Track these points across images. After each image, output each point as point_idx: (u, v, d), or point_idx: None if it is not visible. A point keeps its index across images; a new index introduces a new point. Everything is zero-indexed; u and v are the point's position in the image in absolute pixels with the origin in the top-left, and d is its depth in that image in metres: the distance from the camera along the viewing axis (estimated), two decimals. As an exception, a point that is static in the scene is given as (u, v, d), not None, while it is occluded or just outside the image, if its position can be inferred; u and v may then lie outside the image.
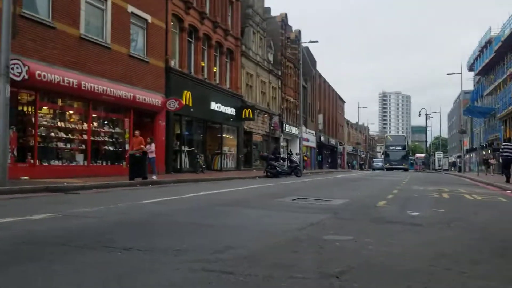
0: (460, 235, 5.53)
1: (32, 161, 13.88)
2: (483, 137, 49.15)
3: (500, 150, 19.91)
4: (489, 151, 44.75)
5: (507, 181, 18.16)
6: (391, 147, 66.78)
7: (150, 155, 15.59)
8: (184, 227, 5.44)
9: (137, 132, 15.61)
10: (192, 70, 23.62)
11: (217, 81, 26.67)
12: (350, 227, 5.82)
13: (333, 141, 61.35)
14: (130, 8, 18.22)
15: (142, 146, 14.82)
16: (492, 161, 37.08)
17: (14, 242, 4.26)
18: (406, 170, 58.03)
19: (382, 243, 4.76)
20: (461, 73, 46.44)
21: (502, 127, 43.22)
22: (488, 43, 47.62)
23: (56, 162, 14.92)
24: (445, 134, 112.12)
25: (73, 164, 15.57)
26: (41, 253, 3.82)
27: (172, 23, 21.54)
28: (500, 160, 21.13)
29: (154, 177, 15.21)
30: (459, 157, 60.74)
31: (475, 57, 54.98)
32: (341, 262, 3.77)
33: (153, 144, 16.18)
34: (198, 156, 22.92)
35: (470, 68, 59.70)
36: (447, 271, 3.61)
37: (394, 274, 3.48)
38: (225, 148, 28.21)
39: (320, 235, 5.05)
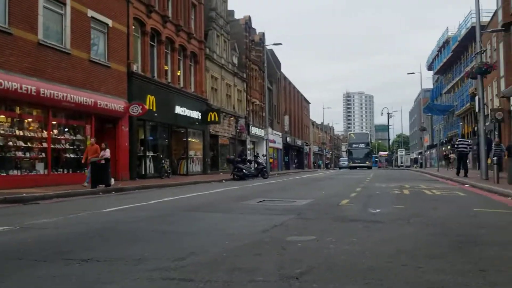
0: (419, 230, 5.69)
1: (-11, 171, 13.37)
2: (442, 133, 50.77)
3: (455, 146, 21.32)
4: (449, 147, 46.24)
5: (457, 173, 19.52)
6: (354, 145, 63.77)
7: (100, 162, 14.62)
8: (146, 235, 5.38)
9: (92, 140, 15.54)
10: (156, 74, 23.35)
11: (181, 85, 26.46)
12: (313, 227, 5.90)
13: (299, 142, 61.92)
14: (90, 13, 17.84)
15: (100, 155, 14.66)
16: (452, 156, 38.36)
17: (-34, 257, 4.10)
18: (369, 168, 57.20)
19: (344, 241, 4.85)
20: (420, 73, 47.85)
21: (461, 123, 44.80)
22: (445, 43, 49.23)
23: (15, 172, 14.43)
24: (406, 132, 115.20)
25: (32, 174, 15.10)
26: (-5, 268, 3.70)
27: (133, 27, 21.24)
28: (455, 155, 23.47)
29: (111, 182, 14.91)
30: (420, 153, 62.52)
31: (433, 56, 56.77)
32: (302, 263, 3.82)
33: (107, 150, 15.42)
34: (163, 161, 22.65)
35: (429, 68, 61.56)
36: (404, 267, 3.72)
37: (353, 272, 3.55)
38: (191, 152, 28.01)
39: (283, 237, 5.10)
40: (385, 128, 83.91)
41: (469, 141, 22.36)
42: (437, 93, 57.72)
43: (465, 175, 18.75)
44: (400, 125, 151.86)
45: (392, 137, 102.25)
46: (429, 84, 68.78)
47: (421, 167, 48.62)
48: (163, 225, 6.21)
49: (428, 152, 62.29)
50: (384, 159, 71.56)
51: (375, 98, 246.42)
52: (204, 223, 6.45)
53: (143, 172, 21.71)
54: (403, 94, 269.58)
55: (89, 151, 14.90)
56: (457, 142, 21.41)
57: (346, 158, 69.96)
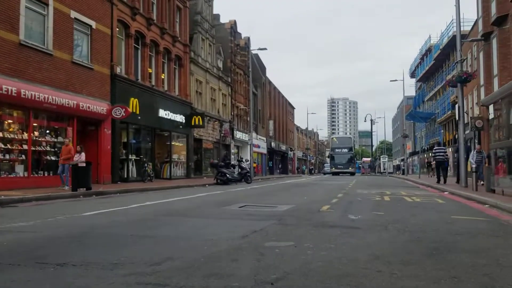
0: (396, 237, 5.77)
1: (-34, 173, 13.13)
2: (425, 140, 51.41)
3: (432, 154, 22.11)
4: (430, 154, 46.87)
5: (438, 181, 19.90)
6: (337, 150, 60.65)
7: (80, 165, 14.16)
8: (124, 239, 5.34)
9: (67, 140, 15.53)
10: (139, 77, 23.23)
11: (166, 88, 26.37)
12: (292, 233, 5.93)
13: (283, 147, 62.13)
14: (73, 14, 17.70)
15: (72, 157, 14.53)
16: (434, 163, 38.88)
17: None
18: (352, 174, 55.93)
19: (321, 247, 4.89)
20: (403, 80, 48.68)
21: (442, 131, 45.48)
22: (428, 51, 50.01)
23: (-7, 174, 14.21)
24: (390, 138, 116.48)
25: (12, 176, 14.88)
26: (-33, 273, 3.64)
27: (117, 29, 21.13)
28: (433, 162, 24.87)
29: (66, 187, 14.28)
30: (402, 160, 63.22)
31: (416, 64, 57.59)
32: (278, 269, 3.85)
33: (83, 154, 14.97)
34: (146, 165, 22.51)
35: (412, 75, 62.45)
36: (379, 273, 3.77)
37: (328, 278, 3.59)
38: (175, 156, 27.88)
39: (261, 242, 5.12)
40: (369, 134, 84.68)
41: (444, 148, 22.82)
42: (419, 101, 58.56)
43: (444, 182, 19.27)
44: (383, 132, 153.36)
45: (376, 143, 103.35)
46: (412, 92, 69.75)
47: (403, 173, 49.18)
48: (142, 229, 6.18)
49: (411, 159, 63.05)
50: (367, 165, 71.80)
51: (359, 104, 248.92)
52: (183, 228, 6.43)
53: (126, 176, 21.54)
54: (387, 101, 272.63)
55: (63, 152, 14.81)
56: (434, 150, 21.95)
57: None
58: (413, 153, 62.36)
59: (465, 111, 20.97)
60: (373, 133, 75.95)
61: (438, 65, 46.60)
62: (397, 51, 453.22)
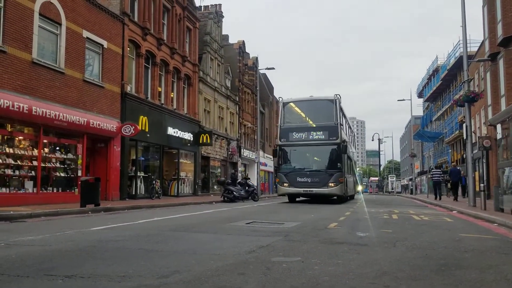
0: (404, 253, 5.74)
1: (-24, 189, 13.27)
2: (433, 160, 51.15)
3: (430, 176, 27.67)
4: (428, 176, 46.62)
5: (435, 198, 24.24)
6: (295, 135, 26.28)
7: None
8: (132, 253, 5.38)
9: None
10: (149, 95, 23.50)
11: (175, 107, 26.62)
12: (299, 249, 5.93)
13: (291, 166, 61.85)
14: (86, 33, 18.06)
15: None
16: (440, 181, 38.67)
17: (-51, 272, 4.08)
18: (341, 198, 21.91)
19: (328, 263, 4.89)
20: (411, 100, 48.53)
21: (450, 150, 45.26)
22: (435, 71, 50.14)
23: (3, 190, 14.32)
24: (397, 158, 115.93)
25: (22, 192, 15.00)
26: (-23, 283, 3.69)
27: (129, 49, 21.48)
28: (431, 183, 28.14)
29: None
30: (411, 179, 62.78)
31: (423, 84, 57.67)
32: (285, 283, 3.86)
33: None
34: (154, 182, 22.60)
35: (420, 95, 62.46)
36: (385, 288, 3.77)
37: (335, 292, 3.59)
38: (182, 174, 27.96)
39: (268, 257, 5.13)
40: (376, 153, 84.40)
41: (440, 170, 27.33)
42: (427, 120, 58.49)
43: (439, 199, 23.59)
44: (391, 151, 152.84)
45: (383, 163, 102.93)
46: (419, 111, 69.66)
47: (411, 193, 48.80)
48: (149, 244, 6.21)
49: (419, 179, 62.62)
50: (375, 185, 71.18)
51: (366, 124, 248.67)
52: (190, 243, 6.45)
53: (134, 192, 21.62)
54: (394, 120, 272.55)
55: None
56: (432, 172, 26.95)
57: None
58: (421, 173, 61.94)
59: (472, 130, 20.98)
60: (380, 153, 75.66)
61: (445, 85, 46.65)
62: (403, 71, 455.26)
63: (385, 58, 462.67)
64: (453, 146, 43.63)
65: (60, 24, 16.64)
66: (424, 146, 62.78)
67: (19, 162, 15.00)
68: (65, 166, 17.22)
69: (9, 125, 14.88)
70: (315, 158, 20.92)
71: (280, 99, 23.12)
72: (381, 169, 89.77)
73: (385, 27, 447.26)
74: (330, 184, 19.52)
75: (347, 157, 22.38)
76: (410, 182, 63.35)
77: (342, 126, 20.74)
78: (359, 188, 52.49)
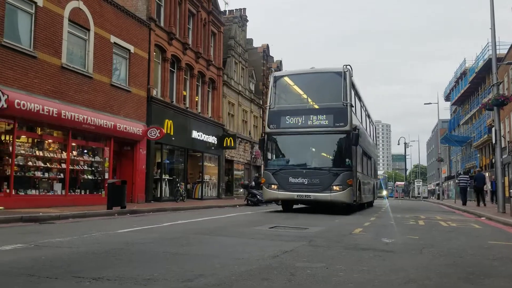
0: (431, 261, 5.64)
1: (8, 190, 13.66)
2: (460, 165, 50.08)
3: (457, 181, 27.13)
4: (456, 181, 45.66)
5: (463, 204, 23.97)
6: (288, 110, 18.70)
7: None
8: (157, 256, 5.44)
9: None
10: (174, 99, 23.78)
11: (199, 110, 26.86)
12: (323, 255, 5.88)
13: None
14: (113, 39, 18.42)
15: None
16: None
17: (-18, 272, 4.21)
18: (348, 206, 15.60)
19: (353, 270, 4.83)
20: (437, 103, 47.61)
21: (478, 155, 44.23)
22: (463, 74, 49.14)
23: (33, 192, 14.71)
24: (424, 162, 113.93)
25: (50, 194, 15.37)
26: (7, 285, 3.79)
27: (155, 53, 21.79)
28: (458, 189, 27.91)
29: None
30: (437, 184, 61.59)
31: (451, 87, 56.58)
32: (309, 289, 3.83)
33: None
34: (178, 185, 22.83)
35: (447, 98, 61.28)
36: (412, 296, 3.70)
37: (360, 299, 3.55)
38: (206, 177, 28.15)
39: (292, 263, 5.11)
40: (402, 158, 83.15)
41: (467, 176, 27.35)
42: (454, 124, 57.34)
43: (464, 204, 23.38)
44: (418, 155, 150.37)
45: (409, 167, 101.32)
46: (446, 115, 68.36)
47: (438, 198, 47.86)
48: (174, 247, 6.27)
49: (446, 184, 61.39)
50: (401, 189, 70.01)
51: (392, 127, 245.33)
52: (214, 246, 6.48)
53: (159, 195, 21.88)
54: (420, 124, 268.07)
55: None
56: (459, 178, 26.66)
57: None
58: (448, 178, 60.70)
59: (502, 135, 20.44)
60: (406, 157, 74.51)
61: (473, 88, 45.67)
62: (428, 74, 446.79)
63: (410, 60, 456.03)
64: (482, 151, 42.62)
65: (88, 30, 17.02)
66: (452, 150, 61.53)
67: (48, 165, 15.38)
68: (93, 168, 17.57)
69: (39, 129, 15.28)
70: (314, 151, 15.65)
71: (271, 71, 17.46)
72: (407, 173, 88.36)
73: (409, 28, 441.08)
74: (334, 187, 14.14)
75: (361, 152, 17.52)
76: (437, 187, 62.14)
77: (353, 109, 15.39)
78: (384, 192, 51.18)
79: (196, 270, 4.50)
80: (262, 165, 20.46)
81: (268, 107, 15.93)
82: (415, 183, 71.29)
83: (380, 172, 68.31)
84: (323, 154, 15.61)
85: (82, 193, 16.85)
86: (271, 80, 16.37)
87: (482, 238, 8.45)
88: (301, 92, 16.80)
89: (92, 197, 17.02)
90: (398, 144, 69.62)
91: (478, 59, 41.45)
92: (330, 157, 15.26)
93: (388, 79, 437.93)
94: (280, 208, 17.60)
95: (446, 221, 12.91)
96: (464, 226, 11.55)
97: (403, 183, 77.28)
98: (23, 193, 14.26)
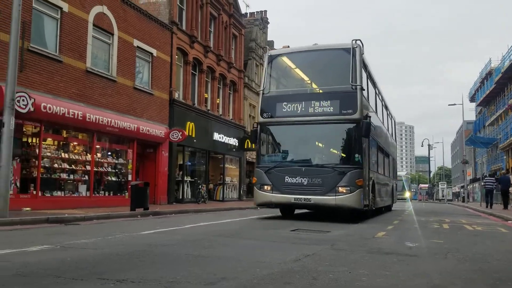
0: (456, 266, 5.54)
1: (34, 192, 13.99)
2: (486, 167, 49.04)
3: (483, 184, 26.01)
4: (482, 183, 44.67)
5: (487, 207, 23.25)
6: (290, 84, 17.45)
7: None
8: (180, 258, 5.49)
9: None
10: (196, 102, 23.97)
11: (220, 112, 27.00)
12: (346, 259, 5.84)
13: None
14: (136, 42, 18.69)
15: None
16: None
17: (7, 274, 4.30)
18: (356, 213, 13.23)
19: (376, 274, 4.78)
20: (462, 104, 46.61)
21: (505, 157, 43.22)
22: (488, 75, 48.13)
23: (59, 193, 15.03)
24: (448, 164, 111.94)
25: (75, 195, 15.67)
26: (35, 285, 3.88)
27: (177, 57, 22.02)
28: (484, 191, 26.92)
29: None
30: (462, 187, 60.40)
31: (476, 88, 55.47)
32: (332, 294, 3.81)
33: None
34: (200, 187, 22.99)
35: (472, 99, 60.10)
36: (437, 303, 3.64)
37: (383, 305, 3.51)
38: (228, 179, 28.26)
39: (315, 267, 5.09)
40: (426, 160, 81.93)
41: (493, 179, 26.23)
42: (480, 125, 56.20)
43: (490, 207, 22.59)
44: (442, 157, 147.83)
45: (433, 169, 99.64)
46: (471, 116, 67.02)
47: (463, 201, 46.94)
48: (196, 249, 6.32)
49: (471, 186, 60.17)
50: (425, 192, 68.82)
51: (415, 129, 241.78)
52: (236, 249, 6.50)
53: (181, 197, 22.07)
54: (445, 125, 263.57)
55: None
56: (485, 180, 25.49)
57: None
58: (473, 180, 59.47)
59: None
60: (430, 159, 73.32)
61: (499, 89, 44.68)
62: (450, 74, 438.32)
63: (431, 60, 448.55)
64: (508, 153, 41.62)
65: (112, 34, 17.31)
66: (477, 152, 60.28)
67: (73, 167, 15.68)
68: (116, 170, 17.84)
69: (65, 131, 15.61)
70: (316, 144, 13.45)
71: (266, 50, 15.23)
72: (431, 175, 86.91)
73: (430, 28, 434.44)
74: (340, 188, 11.73)
75: (376, 147, 15.14)
76: (462, 190, 60.96)
77: (365, 93, 13.02)
78: (407, 194, 50.03)
79: (218, 273, 4.52)
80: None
81: (261, 92, 13.58)
82: (439, 185, 70.04)
83: (402, 173, 67.35)
84: (326, 148, 13.23)
85: (106, 194, 17.12)
86: (266, 60, 13.99)
87: (509, 243, 8.26)
88: (301, 73, 14.59)
89: (116, 198, 17.28)
90: (422, 146, 68.59)
91: (504, 59, 40.55)
92: (336, 152, 12.98)
93: (410, 80, 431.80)
94: (301, 210, 16.21)
95: (472, 225, 12.65)
96: (490, 230, 11.30)
97: (427, 185, 76.07)
98: (49, 195, 14.58)
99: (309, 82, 14.43)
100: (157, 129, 19.44)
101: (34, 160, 14.22)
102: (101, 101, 16.52)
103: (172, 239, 7.49)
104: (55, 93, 14.41)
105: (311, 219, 12.94)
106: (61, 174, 15.23)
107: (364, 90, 12.65)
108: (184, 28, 22.79)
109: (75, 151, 16.04)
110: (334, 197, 11.67)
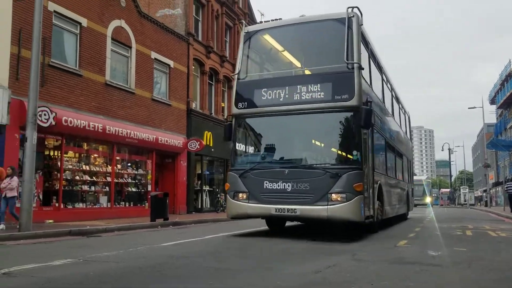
0: (480, 275, 5.44)
1: (57, 204, 14.23)
2: (508, 170, 48.05)
3: (505, 188, 25.87)
4: (504, 188, 43.67)
5: (511, 211, 22.80)
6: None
7: (9, 194, 10.92)
8: (201, 271, 5.51)
9: None
10: (213, 111, 24.13)
11: (237, 121, 27.08)
12: (367, 270, 5.78)
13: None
14: (154, 55, 18.94)
15: (3, 182, 11.01)
16: None
17: (35, 288, 4.39)
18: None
19: (400, 286, 4.74)
20: (482, 107, 45.85)
21: (529, 160, 42.28)
22: (508, 76, 47.28)
23: (80, 205, 15.26)
24: (470, 168, 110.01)
25: (96, 207, 15.88)
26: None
27: (193, 67, 22.23)
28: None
29: (1, 226, 10.77)
30: (485, 191, 59.25)
31: (496, 90, 54.51)
32: (354, 307, 3.78)
33: (15, 178, 11.07)
34: (218, 196, 23.06)
35: (492, 101, 59.07)
36: (462, 316, 3.58)
37: (407, 319, 3.47)
38: (246, 187, 28.24)
39: (336, 278, 5.06)
40: (447, 164, 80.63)
41: None
42: (501, 128, 55.12)
43: None
44: (463, 161, 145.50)
45: (455, 173, 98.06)
46: (492, 119, 65.79)
47: (486, 205, 46.04)
48: (217, 261, 6.34)
49: (494, 190, 58.98)
50: (446, 197, 67.55)
51: (435, 133, 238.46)
52: (255, 261, 6.50)
53: (200, 206, 22.17)
54: (465, 128, 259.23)
55: None
56: (506, 184, 25.58)
57: None
58: (496, 184, 58.29)
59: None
60: (451, 163, 72.18)
61: (521, 90, 43.82)
62: (469, 76, 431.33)
63: (449, 62, 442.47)
64: (532, 155, 40.73)
65: (130, 47, 17.59)
66: (499, 155, 59.09)
67: (94, 178, 15.91)
68: (136, 181, 18.04)
69: (85, 144, 15.86)
70: (303, 140, 10.58)
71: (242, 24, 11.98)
72: (452, 179, 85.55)
73: (447, 29, 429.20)
74: (333, 196, 9.21)
75: (383, 143, 12.87)
76: (484, 194, 59.81)
77: (365, 74, 10.42)
78: (428, 199, 48.66)
79: (239, 286, 4.53)
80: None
81: (236, 77, 10.90)
82: (461, 189, 68.82)
83: (422, 177, 66.23)
84: (316, 144, 10.61)
85: (126, 205, 17.31)
86: (242, 38, 11.26)
87: (536, 250, 8.07)
88: (285, 52, 11.79)
89: (136, 209, 17.45)
90: (442, 150, 67.60)
91: (525, 60, 39.80)
92: (328, 149, 10.41)
93: (427, 82, 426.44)
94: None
95: (495, 231, 12.39)
96: (515, 236, 11.06)
97: (448, 190, 74.87)
98: (71, 207, 14.81)
99: (295, 62, 11.72)
100: (175, 139, 19.61)
101: (56, 172, 14.47)
102: (120, 113, 16.76)
103: (193, 251, 7.52)
104: (75, 106, 14.69)
105: (306, 235, 10.50)
106: (83, 186, 15.47)
107: (363, 69, 10.00)
108: (200, 39, 23.01)
109: (96, 163, 16.28)
110: (326, 206, 9.13)
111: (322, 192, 9.20)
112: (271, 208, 9.55)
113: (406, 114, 19.71)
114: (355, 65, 9.69)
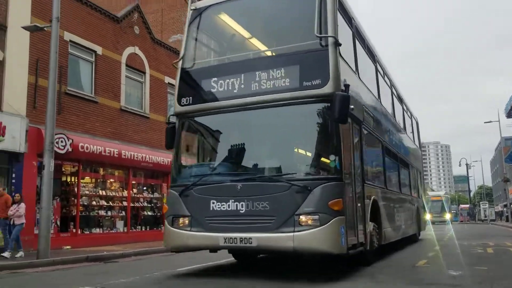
0: (503, 297, 5.32)
1: (74, 230, 14.34)
2: (529, 184, 47.06)
3: None
4: None
5: None
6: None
7: (17, 221, 10.92)
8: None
9: (0, 189, 11.38)
10: (226, 133, 24.25)
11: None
12: (386, 292, 5.69)
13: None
14: (167, 79, 19.22)
15: (11, 209, 10.98)
16: None
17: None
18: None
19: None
20: (498, 121, 45.20)
21: (550, 173, 41.44)
22: (525, 89, 46.71)
23: (97, 230, 15.34)
24: (489, 183, 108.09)
25: (113, 231, 15.95)
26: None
27: (205, 90, 22.45)
28: None
29: (20, 253, 10.84)
30: (505, 206, 58.02)
31: (511, 103, 53.88)
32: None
33: (22, 205, 11.09)
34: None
35: (508, 115, 58.31)
36: None
37: None
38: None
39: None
40: (465, 179, 79.29)
41: None
42: (519, 141, 54.22)
43: None
44: (481, 176, 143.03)
45: (473, 188, 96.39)
46: (509, 132, 64.79)
47: (507, 220, 45.05)
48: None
49: (515, 205, 57.73)
50: (466, 213, 66.16)
51: (451, 148, 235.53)
52: (271, 282, 6.44)
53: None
54: (482, 142, 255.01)
55: None
56: None
57: None
58: (517, 198, 57.06)
59: None
60: (470, 178, 71.01)
61: (538, 103, 43.22)
62: (483, 89, 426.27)
63: (461, 76, 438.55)
64: (553, 168, 39.94)
65: (144, 73, 17.91)
66: (518, 169, 58.00)
67: (110, 203, 16.04)
68: (152, 205, 18.12)
69: (101, 169, 16.03)
70: (262, 143, 7.85)
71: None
72: (471, 195, 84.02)
73: (460, 43, 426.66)
74: (301, 218, 6.58)
75: (379, 146, 10.42)
76: (504, 209, 58.56)
77: (344, 53, 7.67)
78: (447, 216, 47.11)
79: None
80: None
81: (179, 64, 8.45)
82: (481, 205, 67.47)
83: (441, 192, 64.91)
84: (279, 147, 7.72)
85: (143, 229, 17.34)
86: (188, 17, 8.76)
87: (560, 268, 7.85)
88: (243, 31, 9.18)
89: (152, 233, 17.46)
90: (460, 166, 66.57)
91: (540, 72, 39.35)
92: (295, 153, 7.83)
93: (441, 96, 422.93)
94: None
95: (518, 248, 12.11)
96: (538, 253, 10.79)
97: (467, 205, 73.47)
98: (88, 232, 14.91)
99: (254, 43, 9.13)
100: (190, 162, 19.70)
101: (73, 198, 14.63)
102: (135, 137, 16.96)
103: (207, 280, 7.49)
104: (91, 132, 14.92)
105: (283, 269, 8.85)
106: (99, 211, 15.59)
107: (340, 45, 7.29)
108: (212, 62, 23.29)
109: (112, 188, 16.42)
110: (292, 233, 6.50)
111: (286, 214, 6.62)
112: (219, 238, 6.91)
113: (413, 118, 17.27)
114: (330, 39, 7.17)
